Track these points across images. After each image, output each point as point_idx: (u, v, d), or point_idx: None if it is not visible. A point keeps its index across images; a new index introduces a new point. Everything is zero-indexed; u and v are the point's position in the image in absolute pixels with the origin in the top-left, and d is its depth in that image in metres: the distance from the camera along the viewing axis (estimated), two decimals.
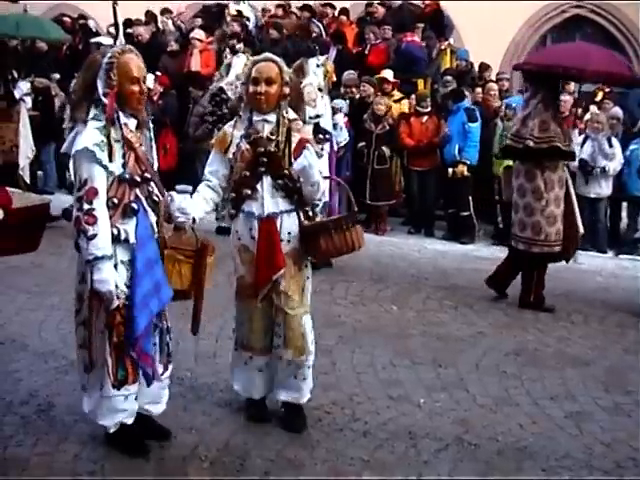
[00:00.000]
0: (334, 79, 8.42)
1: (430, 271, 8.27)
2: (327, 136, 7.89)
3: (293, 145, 4.19)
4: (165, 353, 4.08)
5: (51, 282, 6.82)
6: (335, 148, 8.41)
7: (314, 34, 11.76)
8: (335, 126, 8.35)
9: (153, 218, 3.94)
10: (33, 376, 4.98)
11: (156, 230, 3.95)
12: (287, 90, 4.19)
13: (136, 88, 3.79)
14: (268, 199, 4.19)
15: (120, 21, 9.47)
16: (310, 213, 4.31)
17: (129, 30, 12.64)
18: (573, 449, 4.34)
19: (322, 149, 7.71)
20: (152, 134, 4.07)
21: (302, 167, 4.09)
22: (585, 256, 8.22)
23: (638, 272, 8.07)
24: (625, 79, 7.27)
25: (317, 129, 7.65)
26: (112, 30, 12.68)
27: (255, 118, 4.22)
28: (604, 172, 9.27)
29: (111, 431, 4.03)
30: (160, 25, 13.64)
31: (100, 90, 3.77)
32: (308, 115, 7.60)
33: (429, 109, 10.06)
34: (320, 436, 4.37)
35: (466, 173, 9.64)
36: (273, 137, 4.19)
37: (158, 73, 11.05)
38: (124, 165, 3.76)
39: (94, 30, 13.53)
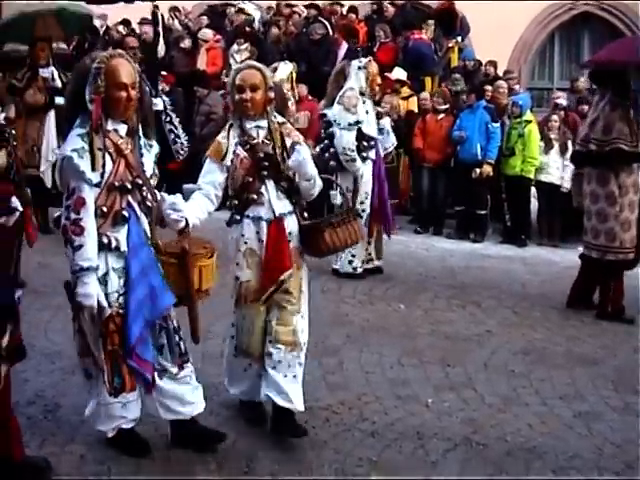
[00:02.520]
0: (379, 81, 8.05)
1: (438, 269, 8.24)
2: (371, 142, 7.57)
3: (288, 147, 4.22)
4: (177, 354, 3.99)
5: (58, 282, 6.67)
6: (382, 154, 7.89)
7: (319, 36, 11.68)
8: (381, 131, 7.83)
9: (146, 224, 3.89)
10: (39, 376, 4.98)
11: (150, 236, 3.90)
12: (272, 94, 4.23)
13: (123, 94, 3.69)
14: (275, 201, 4.22)
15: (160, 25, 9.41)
16: (305, 214, 4.35)
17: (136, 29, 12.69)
18: (582, 449, 4.31)
19: (367, 156, 7.53)
20: (147, 140, 3.95)
21: (297, 162, 4.13)
22: None
23: None
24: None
25: (361, 135, 7.48)
26: (122, 30, 12.72)
27: (247, 125, 4.24)
28: None
29: (109, 435, 4.01)
30: (167, 23, 13.60)
31: (87, 96, 3.70)
32: (347, 122, 7.46)
33: (446, 106, 9.98)
34: (327, 436, 4.35)
35: (492, 173, 9.56)
36: (269, 141, 4.22)
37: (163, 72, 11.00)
38: (103, 175, 3.66)
39: (100, 29, 13.47)
